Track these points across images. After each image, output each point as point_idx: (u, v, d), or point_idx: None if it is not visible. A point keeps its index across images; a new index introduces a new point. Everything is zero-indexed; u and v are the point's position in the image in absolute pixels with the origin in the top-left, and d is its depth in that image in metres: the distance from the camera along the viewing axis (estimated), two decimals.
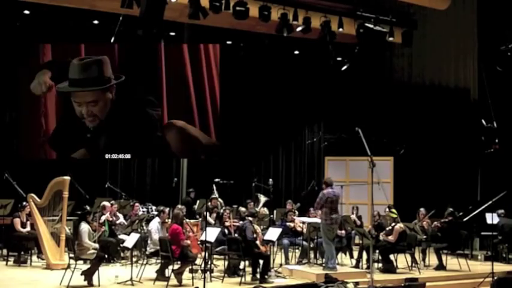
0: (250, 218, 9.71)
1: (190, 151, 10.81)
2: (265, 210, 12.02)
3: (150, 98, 9.93)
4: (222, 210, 11.01)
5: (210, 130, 12.54)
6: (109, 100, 8.78)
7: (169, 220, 9.78)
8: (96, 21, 13.06)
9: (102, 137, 9.18)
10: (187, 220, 10.48)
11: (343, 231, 10.78)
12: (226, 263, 9.63)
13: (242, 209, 11.46)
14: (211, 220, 11.34)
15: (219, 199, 12.36)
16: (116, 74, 8.93)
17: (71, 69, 8.52)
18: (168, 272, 9.01)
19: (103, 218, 10.42)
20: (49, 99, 10.61)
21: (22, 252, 10.50)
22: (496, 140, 13.97)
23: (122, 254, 10.67)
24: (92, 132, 9.06)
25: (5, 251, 10.86)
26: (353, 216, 12.21)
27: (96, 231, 9.87)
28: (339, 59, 15.06)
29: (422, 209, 11.52)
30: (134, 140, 9.73)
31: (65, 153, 9.90)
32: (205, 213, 10.33)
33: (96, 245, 9.22)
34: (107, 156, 12.40)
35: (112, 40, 12.44)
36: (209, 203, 11.74)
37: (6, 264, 10.35)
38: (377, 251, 10.29)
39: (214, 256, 10.07)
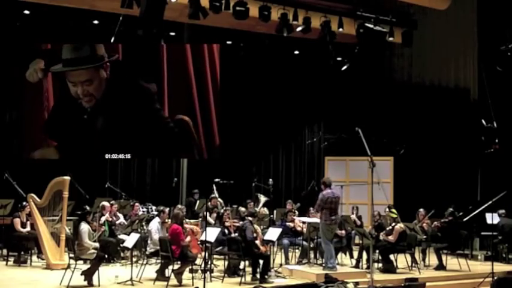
0: (250, 218, 9.71)
1: (189, 147, 11.02)
2: (265, 210, 12.01)
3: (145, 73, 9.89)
4: (222, 210, 11.01)
5: (214, 131, 12.68)
6: (104, 79, 8.76)
7: (169, 220, 9.79)
8: (96, 21, 13.07)
9: (100, 118, 9.01)
10: (187, 220, 10.49)
11: (343, 231, 10.77)
12: (226, 263, 9.64)
13: (242, 209, 11.46)
14: (211, 220, 11.35)
15: (219, 199, 12.36)
16: (111, 54, 9.07)
17: (64, 51, 8.60)
18: (168, 272, 9.01)
19: (103, 218, 10.42)
20: (50, 96, 10.55)
21: (22, 252, 10.50)
22: (496, 140, 13.96)
23: (122, 254, 10.67)
24: (89, 113, 8.91)
25: (5, 251, 10.86)
26: (353, 216, 12.21)
27: (96, 231, 9.87)
28: (339, 59, 15.06)
29: (421, 210, 11.51)
30: (132, 116, 9.55)
31: (62, 139, 9.64)
32: (204, 213, 10.32)
33: (97, 244, 9.22)
34: (107, 156, 12.44)
35: (112, 40, 12.45)
36: (209, 203, 11.75)
37: (6, 264, 10.35)
38: (377, 251, 10.29)
39: (214, 256, 10.07)
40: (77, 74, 8.63)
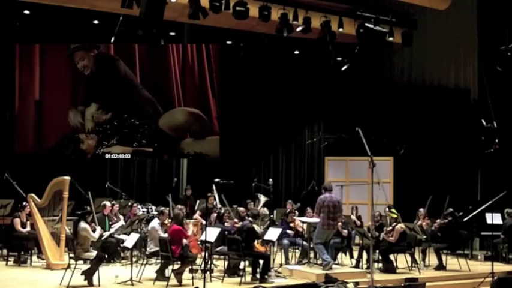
0: (250, 219, 9.67)
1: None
2: (265, 210, 12.00)
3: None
4: (222, 211, 11.00)
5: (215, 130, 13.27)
6: (92, 56, 13.30)
7: (169, 221, 9.77)
8: (96, 21, 13.08)
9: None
10: (187, 220, 10.48)
11: (346, 231, 10.75)
12: (226, 263, 9.64)
13: (241, 209, 11.45)
14: (199, 217, 11.54)
15: (215, 195, 12.23)
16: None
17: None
18: (168, 272, 9.01)
19: (116, 226, 10.48)
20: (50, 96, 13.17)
21: (22, 252, 10.49)
22: (496, 140, 13.96)
23: (122, 254, 10.67)
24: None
25: (5, 251, 10.86)
26: (353, 216, 12.20)
27: (94, 231, 9.85)
28: (339, 59, 15.05)
29: (422, 209, 11.51)
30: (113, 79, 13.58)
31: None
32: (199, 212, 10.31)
33: (98, 233, 9.18)
34: (107, 156, 12.60)
35: (112, 40, 12.46)
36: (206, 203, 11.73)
37: (6, 264, 10.35)
38: (377, 251, 10.28)
39: (214, 256, 10.07)
40: (76, 54, 13.26)
